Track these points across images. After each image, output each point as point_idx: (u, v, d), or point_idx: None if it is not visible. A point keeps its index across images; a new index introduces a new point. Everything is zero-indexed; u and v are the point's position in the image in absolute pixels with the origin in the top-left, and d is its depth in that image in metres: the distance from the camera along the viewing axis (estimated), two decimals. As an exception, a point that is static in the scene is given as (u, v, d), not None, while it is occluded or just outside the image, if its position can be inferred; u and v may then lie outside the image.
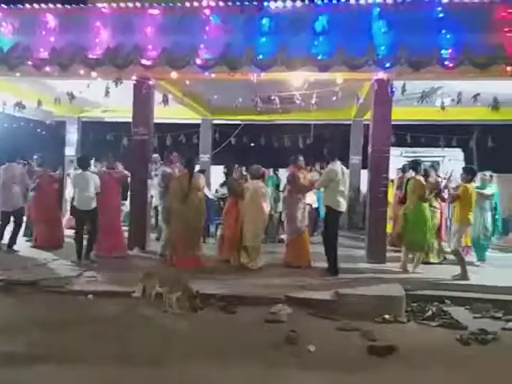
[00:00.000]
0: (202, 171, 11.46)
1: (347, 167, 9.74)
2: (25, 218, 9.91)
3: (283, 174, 12.97)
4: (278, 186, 11.77)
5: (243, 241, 8.35)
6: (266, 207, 8.58)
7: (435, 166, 10.47)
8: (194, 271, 7.49)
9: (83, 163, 8.68)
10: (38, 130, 15.56)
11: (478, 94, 9.39)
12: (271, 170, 12.18)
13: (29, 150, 12.31)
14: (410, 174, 9.02)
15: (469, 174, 8.14)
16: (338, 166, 8.04)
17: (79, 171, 8.70)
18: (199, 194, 8.36)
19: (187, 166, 8.54)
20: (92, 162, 10.67)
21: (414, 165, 8.61)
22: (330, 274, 7.76)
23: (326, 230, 8.08)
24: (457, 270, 7.74)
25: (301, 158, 8.85)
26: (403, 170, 10.71)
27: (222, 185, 11.43)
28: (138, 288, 6.14)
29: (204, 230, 10.72)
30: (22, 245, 9.54)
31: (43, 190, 9.57)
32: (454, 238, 7.97)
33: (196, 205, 8.27)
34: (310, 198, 10.37)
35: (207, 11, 8.60)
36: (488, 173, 9.33)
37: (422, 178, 8.37)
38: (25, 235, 10.20)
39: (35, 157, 10.54)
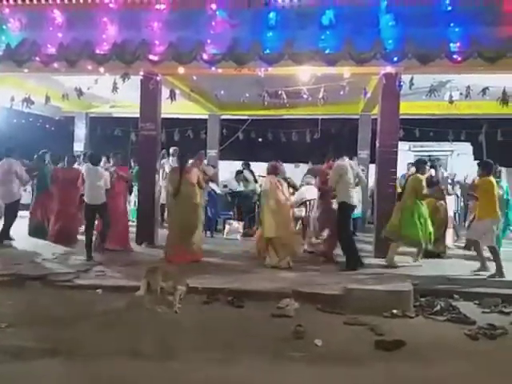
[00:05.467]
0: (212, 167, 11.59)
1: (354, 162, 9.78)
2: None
3: (290, 169, 12.99)
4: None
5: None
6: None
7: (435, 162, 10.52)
8: (192, 266, 7.59)
9: (94, 159, 8.74)
10: (47, 126, 15.63)
11: (487, 88, 9.33)
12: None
13: (38, 145, 12.35)
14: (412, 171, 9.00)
15: (484, 168, 7.91)
16: (345, 161, 8.05)
17: (91, 166, 8.75)
18: (192, 188, 8.37)
19: (179, 160, 8.70)
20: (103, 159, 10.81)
21: (418, 164, 8.60)
22: (349, 269, 7.72)
23: (340, 227, 8.03)
24: (463, 264, 7.72)
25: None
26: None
27: None
28: (142, 285, 6.12)
29: (209, 225, 10.82)
30: (31, 239, 9.64)
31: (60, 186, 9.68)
32: (488, 236, 7.63)
33: (188, 199, 8.30)
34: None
35: (213, 6, 8.57)
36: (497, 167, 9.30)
37: (421, 177, 8.34)
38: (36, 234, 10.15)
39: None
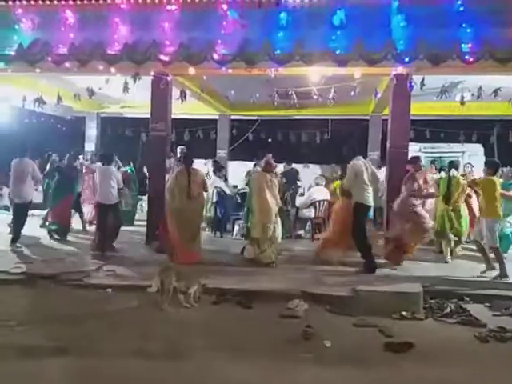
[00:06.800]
0: (220, 167, 11.60)
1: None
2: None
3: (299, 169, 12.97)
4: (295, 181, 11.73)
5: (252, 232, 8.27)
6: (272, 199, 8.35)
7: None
8: (201, 266, 7.55)
9: (106, 159, 8.87)
10: (59, 126, 15.77)
11: (499, 89, 9.28)
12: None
13: (49, 145, 12.46)
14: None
15: (491, 167, 7.92)
16: (360, 161, 8.00)
17: (102, 165, 8.90)
18: (199, 191, 8.37)
19: (184, 161, 8.61)
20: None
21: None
22: (366, 272, 7.61)
23: (356, 228, 7.88)
24: (471, 265, 7.69)
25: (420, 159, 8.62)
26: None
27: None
28: (155, 282, 6.14)
29: (218, 225, 10.82)
30: (42, 238, 9.70)
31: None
32: (490, 236, 7.52)
33: (195, 201, 8.29)
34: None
35: (224, 6, 8.58)
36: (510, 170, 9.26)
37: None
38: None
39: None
